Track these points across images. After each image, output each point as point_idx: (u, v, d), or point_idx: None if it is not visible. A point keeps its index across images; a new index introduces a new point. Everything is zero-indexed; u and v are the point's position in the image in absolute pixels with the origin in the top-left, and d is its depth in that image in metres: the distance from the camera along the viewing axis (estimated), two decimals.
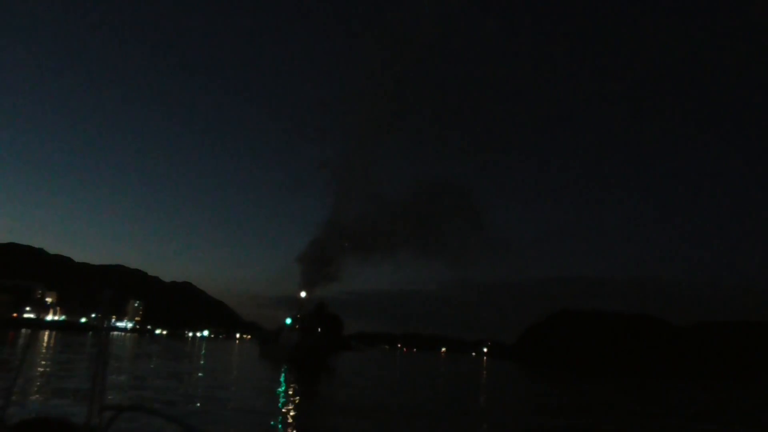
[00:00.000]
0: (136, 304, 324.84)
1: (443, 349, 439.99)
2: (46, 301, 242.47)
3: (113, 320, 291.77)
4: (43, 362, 36.56)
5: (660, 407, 37.17)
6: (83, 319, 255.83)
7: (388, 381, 47.08)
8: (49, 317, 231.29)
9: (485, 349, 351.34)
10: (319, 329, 69.29)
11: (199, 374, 38.97)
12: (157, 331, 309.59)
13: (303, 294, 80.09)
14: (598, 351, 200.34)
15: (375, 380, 46.57)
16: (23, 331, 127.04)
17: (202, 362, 55.71)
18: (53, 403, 18.02)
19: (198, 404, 21.72)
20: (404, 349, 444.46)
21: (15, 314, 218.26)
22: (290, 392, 30.91)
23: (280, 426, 18.52)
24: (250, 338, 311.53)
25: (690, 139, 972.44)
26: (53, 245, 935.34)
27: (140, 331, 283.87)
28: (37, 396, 19.70)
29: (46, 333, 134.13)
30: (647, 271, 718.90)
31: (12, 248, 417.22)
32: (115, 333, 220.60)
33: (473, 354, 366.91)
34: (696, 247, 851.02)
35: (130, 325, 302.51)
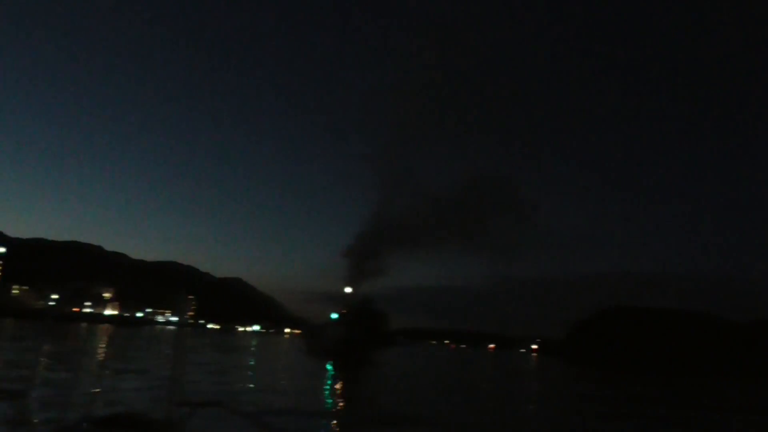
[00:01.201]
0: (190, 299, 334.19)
1: (491, 345, 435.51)
2: (104, 297, 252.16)
3: (168, 315, 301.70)
4: (113, 357, 37.87)
5: (716, 404, 36.20)
6: (139, 314, 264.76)
7: (433, 374, 47.26)
8: (107, 312, 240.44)
9: (534, 346, 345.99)
10: (364, 324, 69.91)
11: (250, 368, 39.97)
12: (210, 326, 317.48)
13: (348, 289, 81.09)
14: (652, 349, 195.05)
15: (420, 374, 46.82)
16: (83, 325, 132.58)
17: (252, 356, 57.08)
18: (130, 397, 18.59)
19: (251, 396, 22.44)
20: (451, 345, 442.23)
21: (76, 309, 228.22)
22: (334, 384, 31.52)
23: (328, 403, 19.02)
24: (299, 333, 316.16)
25: (748, 131, 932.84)
26: (111, 243, 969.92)
27: (193, 326, 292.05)
28: (116, 390, 20.14)
29: (97, 327, 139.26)
30: (703, 266, 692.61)
31: (72, 246, 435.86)
32: (169, 327, 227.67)
33: (522, 350, 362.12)
34: (754, 241, 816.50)
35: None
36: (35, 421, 3.83)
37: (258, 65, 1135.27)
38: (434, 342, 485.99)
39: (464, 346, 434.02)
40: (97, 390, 4.07)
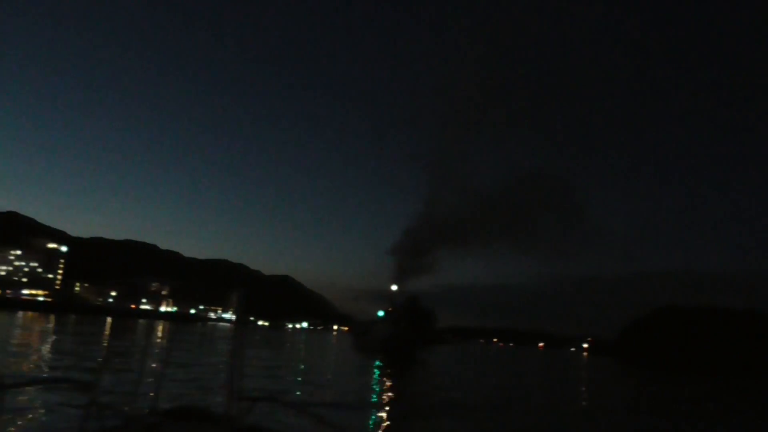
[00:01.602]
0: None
1: (541, 344, 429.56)
2: (160, 294, 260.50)
3: (219, 312, 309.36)
4: (172, 352, 39.17)
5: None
6: (193, 310, 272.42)
7: (479, 371, 47.29)
8: (163, 308, 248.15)
9: (585, 345, 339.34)
10: (411, 322, 70.33)
11: (300, 364, 40.94)
12: (259, 323, 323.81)
13: (394, 287, 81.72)
14: (708, 349, 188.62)
15: (466, 371, 46.93)
16: (140, 321, 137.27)
17: (301, 353, 58.28)
18: (190, 391, 19.37)
19: (302, 391, 23.19)
20: (500, 344, 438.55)
21: (133, 305, 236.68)
22: (380, 381, 32.06)
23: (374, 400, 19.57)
24: (347, 330, 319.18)
25: None
26: (165, 241, 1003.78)
27: (244, 323, 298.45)
28: (176, 384, 20.79)
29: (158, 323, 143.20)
30: (762, 264, 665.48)
31: (129, 245, 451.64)
32: (220, 324, 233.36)
33: (572, 349, 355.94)
34: None
35: (234, 316, 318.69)
36: (105, 410, 4.06)
37: (305, 68, 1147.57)
38: (482, 340, 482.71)
39: (512, 344, 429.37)
40: (159, 383, 4.67)
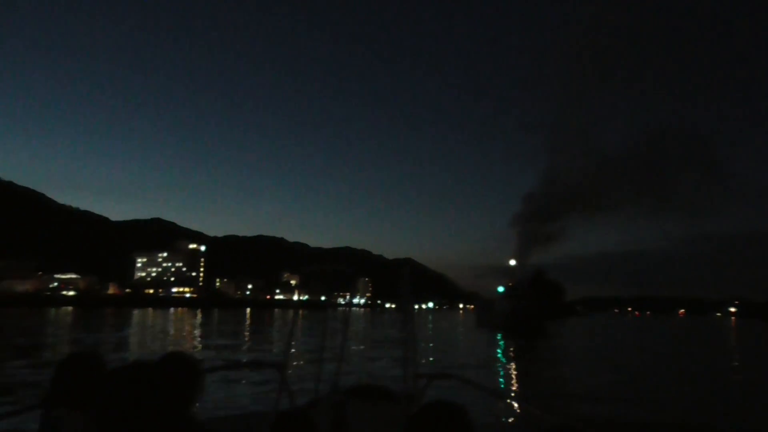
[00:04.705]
0: (366, 281, 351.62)
1: (681, 311, 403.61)
2: (291, 284, 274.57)
3: (347, 298, 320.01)
4: (329, 335, 41.11)
5: None
6: (323, 298, 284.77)
7: (612, 346, 45.68)
8: (295, 297, 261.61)
9: (732, 309, 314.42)
10: (535, 295, 69.14)
11: (430, 343, 41.80)
12: (387, 305, 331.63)
13: (512, 262, 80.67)
14: None
15: (596, 346, 45.55)
16: (276, 311, 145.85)
17: (430, 332, 59.36)
18: (363, 370, 19.92)
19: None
20: (636, 313, 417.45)
21: (268, 296, 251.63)
22: (503, 353, 32.16)
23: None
24: (472, 308, 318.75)
25: None
26: (292, 234, 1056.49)
27: (372, 306, 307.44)
28: (351, 366, 20.79)
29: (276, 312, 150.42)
30: None
31: (260, 239, 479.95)
32: (352, 309, 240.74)
33: (717, 315, 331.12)
34: None
35: (362, 301, 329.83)
36: (294, 389, 4.28)
37: (422, 53, 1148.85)
38: (617, 310, 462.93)
39: (649, 313, 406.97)
40: (339, 364, 5.32)
